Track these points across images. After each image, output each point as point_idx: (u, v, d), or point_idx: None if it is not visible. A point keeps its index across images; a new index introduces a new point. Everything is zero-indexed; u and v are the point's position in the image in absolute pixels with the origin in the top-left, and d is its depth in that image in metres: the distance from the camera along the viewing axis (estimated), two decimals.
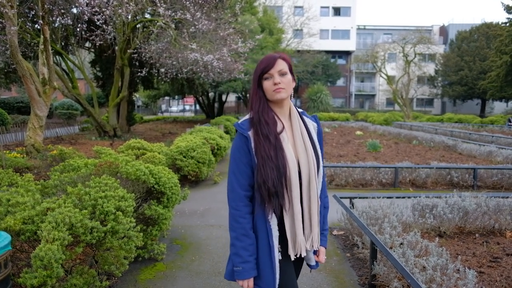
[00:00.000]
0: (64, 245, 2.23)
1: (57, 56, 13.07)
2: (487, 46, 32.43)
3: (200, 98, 27.06)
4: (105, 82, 15.52)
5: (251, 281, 1.56)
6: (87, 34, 11.88)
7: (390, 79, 30.74)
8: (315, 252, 1.70)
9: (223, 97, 28.03)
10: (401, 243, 2.95)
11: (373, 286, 3.04)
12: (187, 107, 47.49)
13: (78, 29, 11.59)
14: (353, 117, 28.52)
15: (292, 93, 1.66)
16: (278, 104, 1.61)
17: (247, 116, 1.65)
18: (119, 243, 2.67)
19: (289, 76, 1.58)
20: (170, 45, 11.56)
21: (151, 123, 23.55)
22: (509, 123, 20.43)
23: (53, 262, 2.10)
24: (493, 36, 29.16)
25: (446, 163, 8.21)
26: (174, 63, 12.01)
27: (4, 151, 6.87)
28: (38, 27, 10.53)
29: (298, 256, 1.60)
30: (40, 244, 2.20)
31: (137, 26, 12.27)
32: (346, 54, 42.67)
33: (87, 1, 9.56)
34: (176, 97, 30.16)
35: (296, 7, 36.54)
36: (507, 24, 25.46)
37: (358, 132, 16.47)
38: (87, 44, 14.78)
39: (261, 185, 1.49)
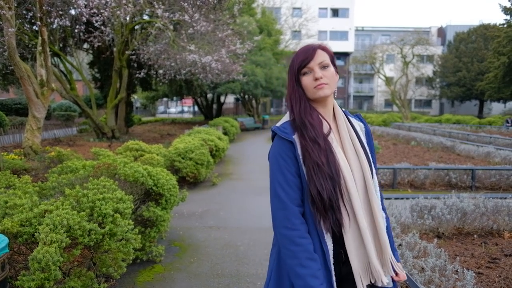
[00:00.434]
0: (62, 247, 2.22)
1: (55, 58, 13.04)
2: (484, 47, 32.52)
3: (199, 99, 27.03)
4: (103, 83, 15.50)
5: None
6: (85, 36, 11.86)
7: (388, 80, 30.81)
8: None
9: (222, 99, 28.01)
10: (400, 244, 2.95)
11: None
12: (186, 109, 47.46)
13: (76, 31, 11.56)
14: None
15: (336, 90, 1.41)
16: (321, 103, 1.37)
17: (284, 119, 1.41)
18: (117, 245, 2.66)
19: (331, 68, 1.33)
20: (168, 46, 11.56)
21: (149, 125, 23.52)
22: (507, 124, 20.49)
23: (50, 264, 2.09)
24: (490, 37, 29.22)
25: (444, 164, 8.23)
26: (173, 64, 12.01)
27: (2, 153, 6.85)
28: (36, 28, 10.52)
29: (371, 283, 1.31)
30: (37, 246, 2.19)
31: (136, 27, 12.27)
32: (344, 55, 42.73)
33: (85, 3, 9.55)
34: (175, 98, 30.11)
35: (294, 8, 36.63)
36: (505, 25, 25.53)
37: None
38: (85, 46, 14.78)
39: (316, 197, 1.24)
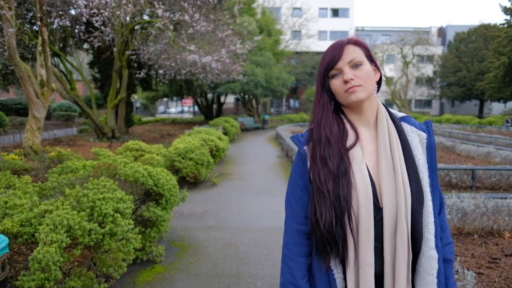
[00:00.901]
0: (62, 247, 2.22)
1: (55, 58, 13.04)
2: (485, 47, 32.53)
3: (199, 99, 27.04)
4: (104, 83, 15.50)
5: None
6: (85, 36, 11.86)
7: (388, 80, 30.84)
8: None
9: (222, 99, 28.02)
10: None
11: None
12: (186, 109, 47.47)
13: (76, 31, 11.56)
14: None
15: (377, 89, 1.19)
16: (354, 109, 1.16)
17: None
18: (118, 245, 2.66)
19: (366, 66, 1.12)
20: (168, 46, 11.57)
21: (149, 125, 23.52)
22: (507, 124, 20.50)
23: (51, 264, 2.09)
24: (491, 37, 29.24)
25: (444, 164, 8.23)
26: (173, 64, 12.01)
27: (2, 153, 6.85)
28: (36, 28, 10.51)
29: None
30: (38, 246, 2.19)
31: (136, 27, 12.28)
32: None
33: (85, 3, 9.55)
34: (175, 98, 30.12)
35: (294, 8, 36.65)
36: (505, 25, 25.54)
37: None
38: (85, 46, 14.77)
39: (314, 225, 1.10)
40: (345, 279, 1.10)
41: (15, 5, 8.18)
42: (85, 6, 9.63)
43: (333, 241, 1.07)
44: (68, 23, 10.52)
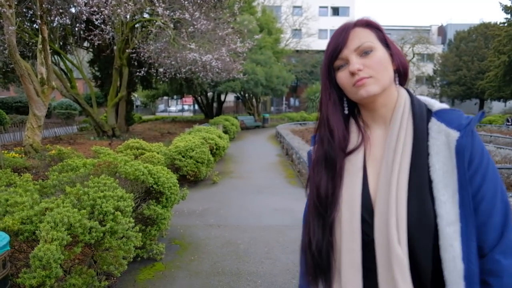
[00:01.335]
0: (63, 245, 2.22)
1: (55, 56, 13.04)
2: (485, 46, 32.50)
3: (199, 98, 27.05)
4: (104, 82, 15.50)
5: None
6: (86, 34, 11.85)
7: None
8: None
9: (222, 97, 28.00)
10: None
11: None
12: (186, 107, 47.44)
13: (76, 29, 11.57)
14: None
15: (397, 78, 0.94)
16: (367, 106, 0.93)
17: None
18: (118, 243, 2.67)
19: (379, 52, 0.88)
20: (168, 45, 11.56)
21: (149, 123, 23.53)
22: (507, 123, 20.50)
23: (52, 262, 2.09)
24: (491, 36, 29.19)
25: None
26: (173, 63, 12.01)
27: (3, 151, 6.85)
28: (36, 26, 10.52)
29: None
30: (38, 244, 2.19)
31: (136, 25, 12.26)
32: None
33: (86, 1, 9.54)
34: (175, 97, 30.14)
35: (294, 7, 36.61)
36: (505, 24, 25.52)
37: None
38: (86, 44, 14.76)
39: (306, 244, 0.95)
40: None
41: (15, 3, 8.17)
42: (85, 4, 9.63)
43: (321, 264, 0.92)
44: (68, 21, 10.53)
